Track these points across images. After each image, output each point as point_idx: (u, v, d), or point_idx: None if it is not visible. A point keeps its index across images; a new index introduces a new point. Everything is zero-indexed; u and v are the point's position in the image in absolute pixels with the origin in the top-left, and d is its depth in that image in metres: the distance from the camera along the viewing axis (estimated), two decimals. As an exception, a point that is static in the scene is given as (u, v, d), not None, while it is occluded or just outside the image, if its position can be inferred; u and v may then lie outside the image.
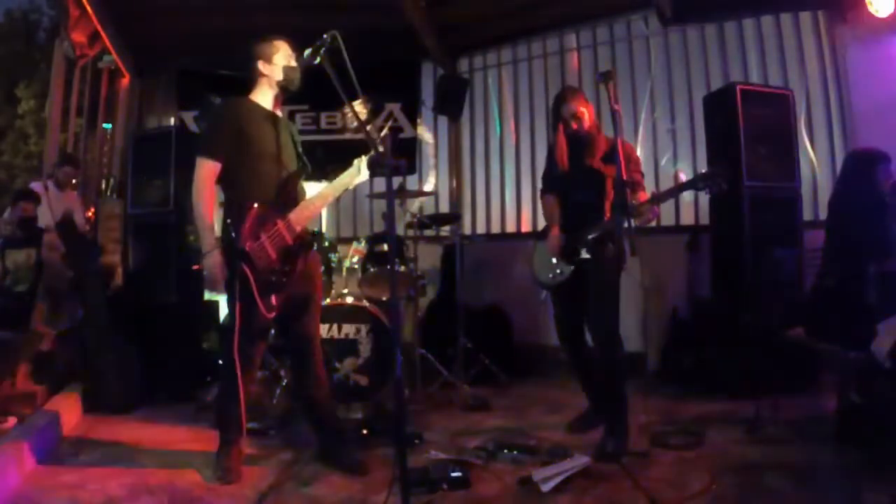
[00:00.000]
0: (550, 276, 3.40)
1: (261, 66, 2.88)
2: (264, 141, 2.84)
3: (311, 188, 3.03)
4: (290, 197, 2.85)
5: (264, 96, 2.92)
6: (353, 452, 2.96)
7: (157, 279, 4.60)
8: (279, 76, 2.88)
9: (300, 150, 3.02)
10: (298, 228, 2.83)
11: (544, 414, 3.84)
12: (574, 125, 3.27)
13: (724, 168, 2.93)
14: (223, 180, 2.82)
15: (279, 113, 2.98)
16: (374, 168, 2.92)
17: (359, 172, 2.92)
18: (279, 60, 2.87)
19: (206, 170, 2.77)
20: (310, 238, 2.98)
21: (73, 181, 5.37)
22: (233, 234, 2.69)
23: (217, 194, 2.84)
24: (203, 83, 6.20)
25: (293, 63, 2.88)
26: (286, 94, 2.95)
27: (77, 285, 4.21)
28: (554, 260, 3.36)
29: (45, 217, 4.92)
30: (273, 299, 2.75)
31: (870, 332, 2.80)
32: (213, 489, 2.67)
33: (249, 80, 2.93)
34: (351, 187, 3.00)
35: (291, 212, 2.82)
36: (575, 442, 3.17)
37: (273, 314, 2.75)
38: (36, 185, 5.28)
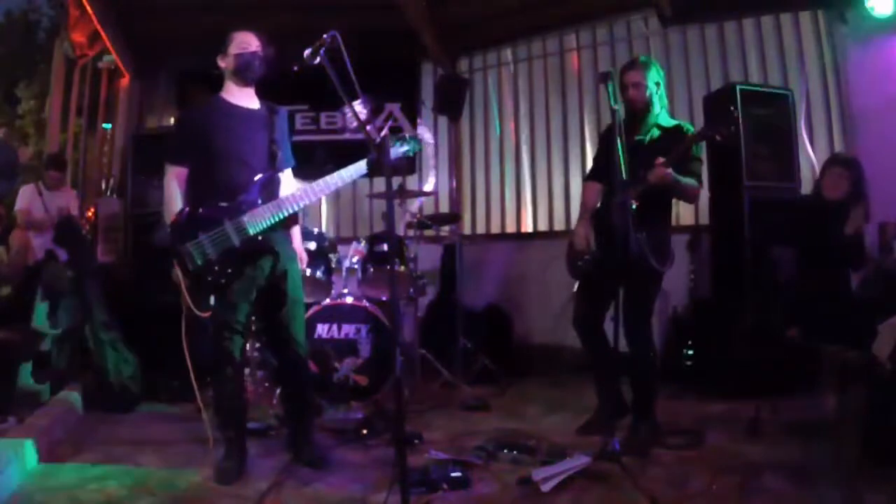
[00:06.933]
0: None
1: (220, 60, 2.89)
2: (225, 144, 2.81)
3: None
4: (250, 199, 2.77)
5: (230, 91, 2.90)
6: (315, 447, 3.00)
7: (156, 279, 4.59)
8: (231, 65, 2.86)
9: (277, 147, 2.88)
10: (252, 231, 2.74)
11: (544, 414, 3.84)
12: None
13: (724, 116, 2.85)
14: (186, 186, 2.86)
15: (255, 106, 2.92)
16: (373, 168, 2.91)
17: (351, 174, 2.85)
18: (232, 50, 2.84)
19: (169, 176, 2.87)
20: (270, 243, 2.81)
21: (61, 182, 5.41)
22: (168, 230, 2.75)
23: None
24: (203, 83, 6.18)
25: (248, 49, 2.82)
26: (248, 82, 2.89)
27: (77, 285, 4.21)
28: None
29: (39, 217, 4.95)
30: (211, 299, 2.76)
31: (870, 332, 2.80)
32: (213, 489, 2.66)
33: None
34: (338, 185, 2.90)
35: (247, 213, 2.74)
36: (575, 442, 3.17)
37: (208, 314, 2.75)
38: (29, 188, 5.32)
